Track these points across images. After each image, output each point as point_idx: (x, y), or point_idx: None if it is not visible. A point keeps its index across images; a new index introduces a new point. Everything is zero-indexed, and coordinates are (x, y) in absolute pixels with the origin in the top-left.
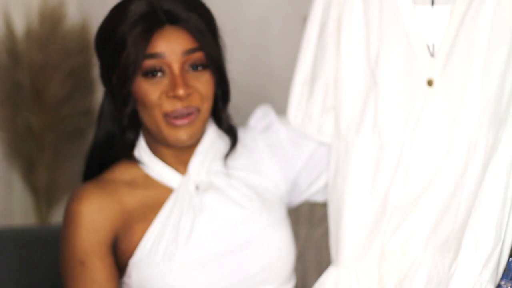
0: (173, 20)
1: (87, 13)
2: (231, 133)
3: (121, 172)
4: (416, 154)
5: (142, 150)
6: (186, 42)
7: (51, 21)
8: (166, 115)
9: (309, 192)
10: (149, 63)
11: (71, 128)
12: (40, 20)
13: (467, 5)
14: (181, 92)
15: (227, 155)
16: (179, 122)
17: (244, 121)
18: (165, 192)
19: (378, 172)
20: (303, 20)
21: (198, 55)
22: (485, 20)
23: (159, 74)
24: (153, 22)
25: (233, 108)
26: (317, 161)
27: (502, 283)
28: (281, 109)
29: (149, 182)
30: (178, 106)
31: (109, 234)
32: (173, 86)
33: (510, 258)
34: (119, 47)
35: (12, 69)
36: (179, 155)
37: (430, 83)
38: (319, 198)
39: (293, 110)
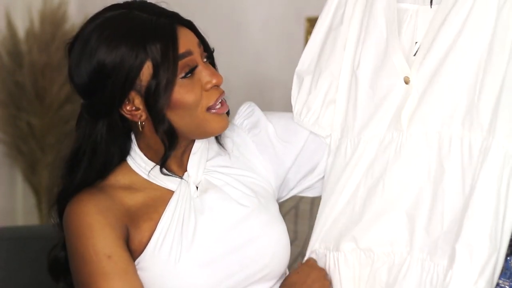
0: (177, 21)
1: (88, 14)
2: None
3: (116, 177)
4: (392, 151)
5: (138, 157)
6: (193, 35)
7: (52, 23)
8: (210, 108)
9: (299, 188)
10: (183, 63)
11: (72, 128)
12: (41, 22)
13: (451, 6)
14: (218, 79)
15: (217, 137)
16: (220, 110)
17: None
18: (165, 192)
19: (354, 168)
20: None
21: (202, 47)
22: (462, 20)
23: (192, 70)
24: (166, 27)
25: (233, 107)
26: (306, 158)
27: (500, 281)
28: (280, 109)
29: (147, 184)
30: (217, 95)
31: (123, 230)
32: (210, 76)
33: (508, 257)
34: (137, 68)
35: (13, 70)
36: (182, 155)
37: (406, 80)
38: (308, 194)
39: (293, 100)
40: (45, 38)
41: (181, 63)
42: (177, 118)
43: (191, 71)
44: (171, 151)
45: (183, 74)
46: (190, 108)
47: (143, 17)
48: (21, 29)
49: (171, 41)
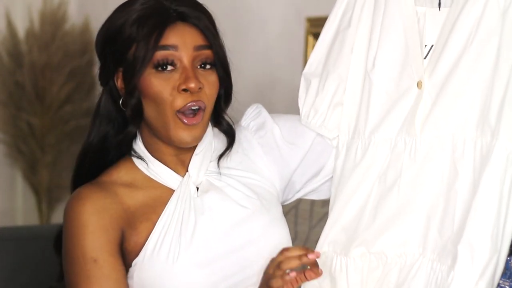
0: (183, 17)
1: (88, 14)
2: (230, 133)
3: (119, 174)
4: (406, 157)
5: (140, 151)
6: (197, 38)
7: (52, 23)
8: (178, 112)
9: (304, 191)
10: (161, 54)
11: (72, 128)
12: (41, 22)
13: (460, 9)
14: (193, 84)
15: (221, 155)
16: (189, 121)
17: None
18: (165, 192)
19: (365, 173)
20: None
21: (207, 53)
22: (473, 24)
23: (170, 67)
24: (165, 17)
25: (233, 108)
26: (312, 160)
27: (501, 282)
28: (280, 109)
29: (148, 182)
30: (189, 100)
31: (116, 233)
32: (185, 79)
33: (509, 257)
34: (127, 44)
35: (13, 70)
36: (179, 154)
37: (419, 85)
38: (314, 197)
39: (300, 102)
40: (45, 38)
41: (161, 53)
42: (148, 109)
43: (165, 66)
44: (132, 128)
45: (159, 67)
46: (157, 102)
47: (164, 4)
48: (21, 29)
49: (159, 29)
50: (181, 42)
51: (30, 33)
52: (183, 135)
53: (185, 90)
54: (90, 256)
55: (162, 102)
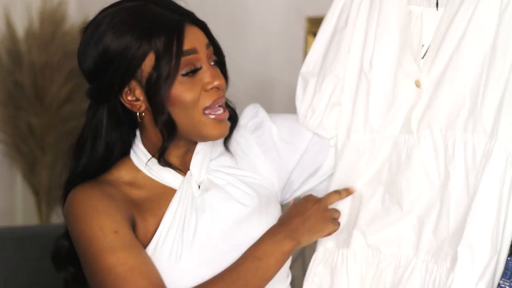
0: (185, 19)
1: (88, 14)
2: (234, 117)
3: (120, 173)
4: (404, 154)
5: (140, 152)
6: (203, 36)
7: (51, 22)
8: (206, 109)
9: (302, 190)
10: (186, 60)
11: (72, 128)
12: (40, 21)
13: (456, 9)
14: (220, 81)
15: (227, 138)
16: (223, 116)
17: None
18: (167, 190)
19: (364, 171)
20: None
21: (211, 49)
22: (465, 24)
23: (195, 70)
24: (174, 23)
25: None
26: (309, 159)
27: (501, 282)
28: (280, 109)
29: (149, 182)
30: (215, 97)
31: (128, 217)
32: (211, 78)
33: (509, 257)
34: (139, 59)
35: (13, 70)
36: (185, 155)
37: (417, 84)
38: None
39: (298, 102)
40: (45, 38)
41: (184, 59)
42: (175, 115)
43: (194, 71)
44: (169, 142)
45: (184, 72)
46: (187, 107)
47: (156, 10)
48: (20, 29)
49: (177, 36)
50: (197, 43)
51: (29, 32)
52: (217, 132)
53: (212, 88)
54: (110, 229)
55: (192, 105)
